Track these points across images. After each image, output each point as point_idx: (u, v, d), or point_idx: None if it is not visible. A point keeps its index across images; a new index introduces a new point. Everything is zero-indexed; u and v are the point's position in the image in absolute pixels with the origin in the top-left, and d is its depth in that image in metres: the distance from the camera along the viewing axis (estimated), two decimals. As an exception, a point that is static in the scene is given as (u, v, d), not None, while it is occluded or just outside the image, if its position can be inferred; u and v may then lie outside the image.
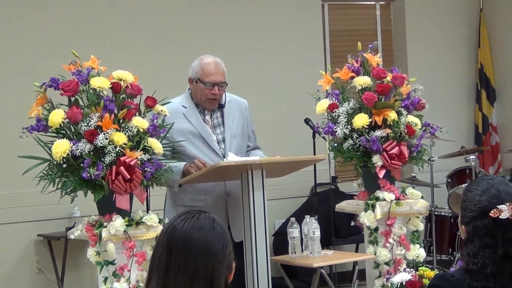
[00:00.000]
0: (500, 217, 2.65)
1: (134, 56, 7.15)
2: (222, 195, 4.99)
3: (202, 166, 4.76)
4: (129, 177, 4.17)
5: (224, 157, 4.98)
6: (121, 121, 4.27)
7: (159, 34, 7.52)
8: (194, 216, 2.48)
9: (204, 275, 2.40)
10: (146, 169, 4.25)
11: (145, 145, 4.30)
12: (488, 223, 2.67)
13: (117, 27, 7.38)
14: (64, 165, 4.17)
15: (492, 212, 2.66)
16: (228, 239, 2.49)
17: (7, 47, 6.98)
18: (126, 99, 4.36)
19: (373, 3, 8.91)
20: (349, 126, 4.90)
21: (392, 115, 4.89)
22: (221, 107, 5.08)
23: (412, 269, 4.81)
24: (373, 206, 4.94)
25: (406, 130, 4.94)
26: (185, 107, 4.98)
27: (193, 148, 4.93)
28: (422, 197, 5.12)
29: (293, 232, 5.16)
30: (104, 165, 4.14)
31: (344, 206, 5.27)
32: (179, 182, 4.82)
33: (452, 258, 7.61)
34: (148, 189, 4.53)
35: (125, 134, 4.22)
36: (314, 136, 6.29)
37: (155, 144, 4.33)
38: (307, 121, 6.29)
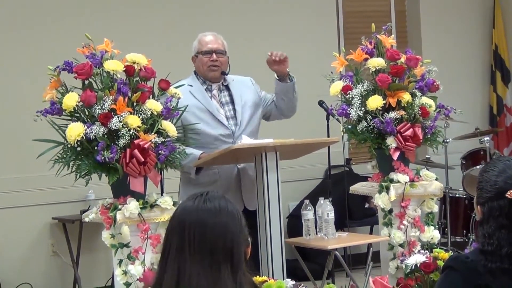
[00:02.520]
0: None
1: (147, 39, 7.15)
2: (233, 166, 5.02)
3: None
4: (143, 160, 4.17)
5: (233, 133, 5.02)
6: (135, 104, 4.27)
7: (172, 19, 7.51)
8: (203, 195, 2.50)
9: (223, 248, 2.40)
10: (160, 151, 4.25)
11: (159, 128, 4.30)
12: (504, 204, 2.66)
13: (130, 10, 7.38)
14: (78, 148, 4.18)
15: (508, 193, 2.65)
16: (239, 213, 2.51)
17: (20, 31, 6.99)
18: (140, 82, 4.36)
19: (387, -16, 8.87)
20: (363, 108, 4.89)
21: (406, 96, 4.88)
22: (227, 88, 5.14)
23: (427, 251, 4.81)
24: (387, 188, 4.93)
25: (420, 112, 4.93)
26: (191, 86, 5.04)
27: (201, 122, 4.95)
28: (436, 179, 5.10)
29: (308, 214, 5.17)
30: (118, 148, 4.15)
31: (358, 188, 5.26)
32: (194, 165, 4.84)
33: (466, 240, 7.60)
34: (162, 172, 4.54)
35: (139, 117, 4.22)
36: (328, 118, 6.28)
37: (169, 126, 4.33)
38: (321, 103, 6.28)
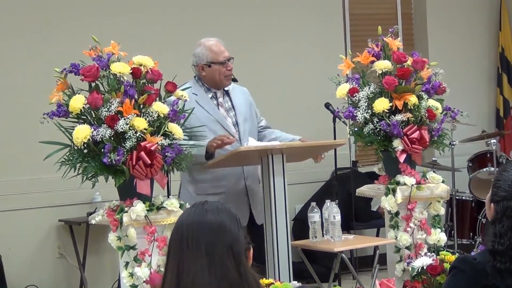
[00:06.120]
0: None
1: (153, 41, 7.16)
2: (241, 179, 5.02)
3: (224, 138, 4.80)
4: (149, 162, 4.18)
5: (240, 140, 5.01)
6: (141, 106, 4.27)
7: (178, 20, 7.52)
8: (201, 203, 2.52)
9: (221, 244, 2.41)
10: (166, 154, 4.26)
11: (165, 130, 4.30)
12: None
13: (136, 13, 7.38)
14: (85, 151, 4.19)
15: None
16: (237, 216, 2.51)
17: (27, 33, 7.00)
18: (147, 84, 4.36)
19: (393, -14, 8.86)
20: (369, 111, 4.89)
21: (412, 99, 4.88)
22: (227, 93, 5.16)
23: (433, 254, 4.81)
24: (394, 191, 4.93)
25: (427, 114, 4.93)
26: (196, 94, 5.00)
27: (210, 133, 4.94)
28: (443, 181, 5.10)
29: (314, 216, 5.16)
30: (125, 150, 4.15)
31: (364, 190, 5.26)
32: (206, 164, 4.84)
33: (473, 242, 7.59)
34: (169, 174, 4.54)
35: (145, 119, 4.22)
36: (334, 121, 6.28)
37: (176, 129, 4.33)
38: (327, 105, 6.29)
